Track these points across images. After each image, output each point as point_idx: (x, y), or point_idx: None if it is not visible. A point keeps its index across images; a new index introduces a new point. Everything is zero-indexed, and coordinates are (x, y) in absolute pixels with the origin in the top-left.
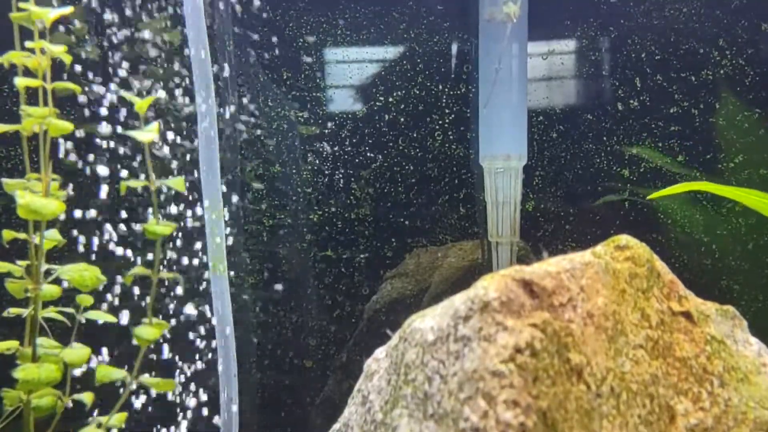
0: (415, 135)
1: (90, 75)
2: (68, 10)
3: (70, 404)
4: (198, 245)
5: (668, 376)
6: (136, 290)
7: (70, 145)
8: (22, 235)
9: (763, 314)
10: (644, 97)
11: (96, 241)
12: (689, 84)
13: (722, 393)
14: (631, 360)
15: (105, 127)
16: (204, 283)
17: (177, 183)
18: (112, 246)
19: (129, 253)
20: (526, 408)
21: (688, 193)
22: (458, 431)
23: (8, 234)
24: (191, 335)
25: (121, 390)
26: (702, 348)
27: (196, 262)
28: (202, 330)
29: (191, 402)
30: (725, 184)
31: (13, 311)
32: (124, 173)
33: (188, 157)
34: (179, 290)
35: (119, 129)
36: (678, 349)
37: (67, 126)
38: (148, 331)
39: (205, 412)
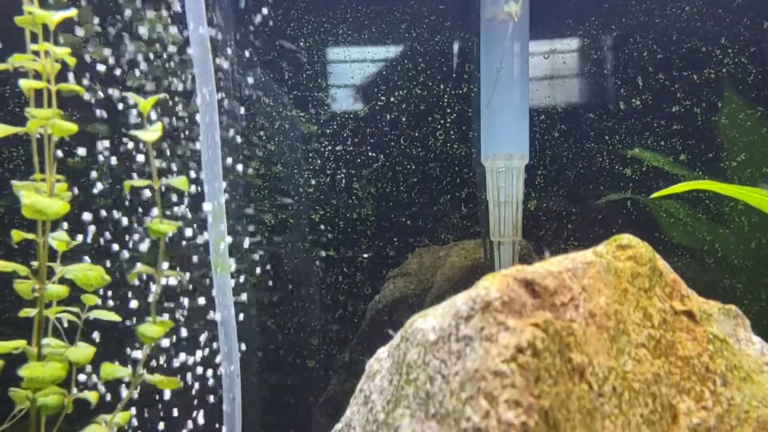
0: (416, 134)
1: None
2: (72, 12)
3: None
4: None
5: (671, 375)
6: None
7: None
8: (30, 236)
9: (766, 313)
10: (646, 96)
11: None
12: (691, 83)
13: (725, 392)
14: (634, 359)
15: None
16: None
17: (180, 182)
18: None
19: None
20: (528, 408)
21: (690, 192)
22: (460, 431)
23: (17, 234)
24: None
25: None
26: (704, 347)
27: None
28: None
29: None
30: (727, 182)
31: (24, 312)
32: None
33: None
34: None
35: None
36: (680, 348)
37: (72, 127)
38: (153, 329)
39: None
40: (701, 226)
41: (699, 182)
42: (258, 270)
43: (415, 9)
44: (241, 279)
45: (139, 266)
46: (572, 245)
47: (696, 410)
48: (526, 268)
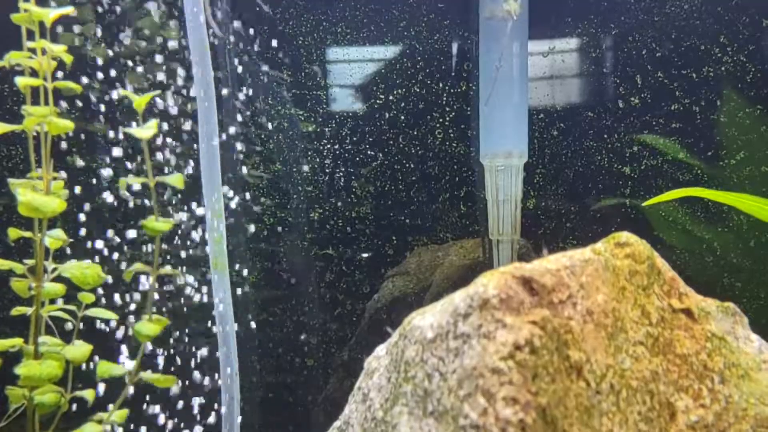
0: (415, 133)
1: None
2: (69, 9)
3: None
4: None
5: (668, 373)
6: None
7: None
8: (27, 234)
9: (764, 311)
10: (645, 95)
11: None
12: (690, 81)
13: (723, 390)
14: (631, 357)
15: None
16: None
17: (176, 180)
18: None
19: None
20: (526, 405)
21: None
22: (458, 428)
23: (14, 232)
24: None
25: None
26: (702, 345)
27: None
28: None
29: None
30: (727, 181)
31: (18, 310)
32: None
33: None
34: None
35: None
36: (678, 345)
37: (68, 125)
38: (148, 327)
39: None
40: (699, 224)
41: (691, 189)
42: (257, 268)
43: (413, 7)
44: (240, 278)
45: (137, 264)
46: (571, 244)
47: (694, 408)
48: (524, 266)
